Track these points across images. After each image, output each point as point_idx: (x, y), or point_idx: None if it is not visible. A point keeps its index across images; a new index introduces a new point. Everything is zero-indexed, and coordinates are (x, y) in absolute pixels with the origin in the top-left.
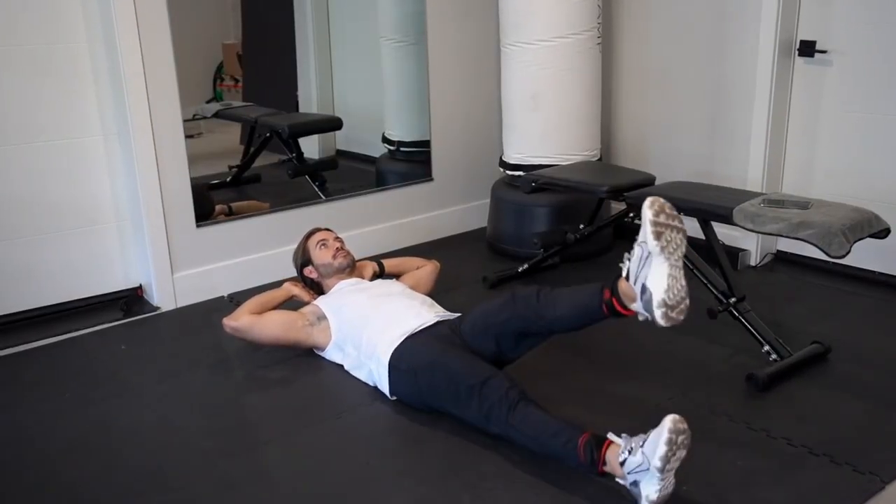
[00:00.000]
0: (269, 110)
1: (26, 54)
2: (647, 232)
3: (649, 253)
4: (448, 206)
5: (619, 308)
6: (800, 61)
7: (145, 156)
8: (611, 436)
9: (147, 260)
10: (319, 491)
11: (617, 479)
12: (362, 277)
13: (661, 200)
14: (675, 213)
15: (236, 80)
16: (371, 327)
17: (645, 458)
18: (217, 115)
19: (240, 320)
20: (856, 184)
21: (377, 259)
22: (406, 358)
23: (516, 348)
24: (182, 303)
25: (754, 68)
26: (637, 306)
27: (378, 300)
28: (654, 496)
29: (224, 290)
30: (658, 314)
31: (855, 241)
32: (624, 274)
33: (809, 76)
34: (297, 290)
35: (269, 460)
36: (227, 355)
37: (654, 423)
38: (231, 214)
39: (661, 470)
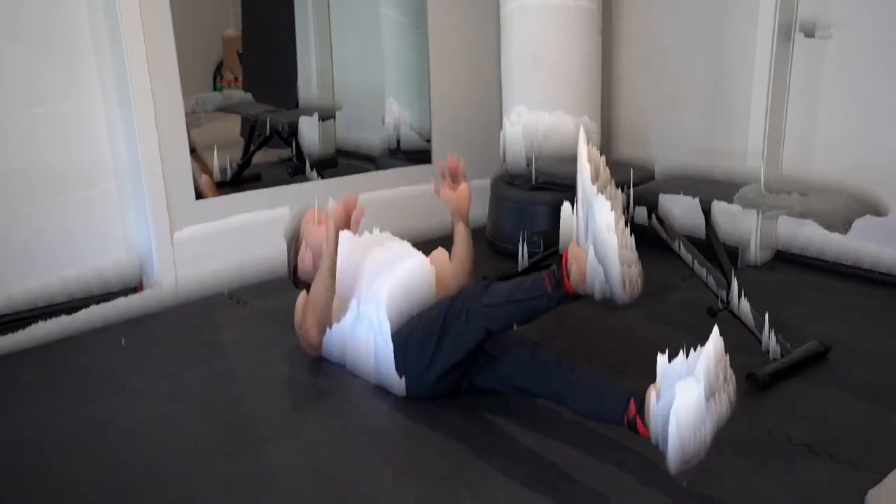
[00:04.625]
0: (270, 107)
1: (24, 19)
2: (700, 386)
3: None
4: None
5: (640, 429)
6: (799, 35)
7: (147, 125)
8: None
9: (147, 225)
10: (320, 490)
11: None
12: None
13: (726, 359)
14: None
15: (236, 77)
16: (365, 273)
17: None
18: (218, 110)
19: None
20: (855, 155)
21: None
22: (404, 325)
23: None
24: (182, 272)
25: (754, 42)
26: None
27: (370, 248)
28: None
29: (224, 259)
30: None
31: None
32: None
33: (809, 49)
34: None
35: (269, 459)
36: (227, 353)
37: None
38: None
39: None
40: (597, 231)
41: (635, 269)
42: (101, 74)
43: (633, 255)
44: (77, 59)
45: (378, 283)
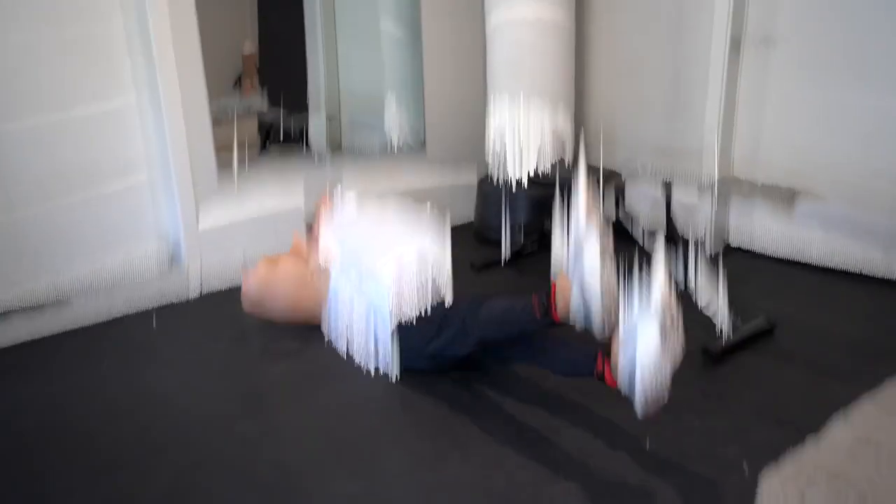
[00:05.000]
0: (283, 111)
1: (69, 34)
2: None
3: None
4: (439, 177)
5: (609, 381)
6: (749, 46)
7: (176, 122)
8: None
9: (176, 210)
10: (326, 447)
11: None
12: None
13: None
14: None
15: (252, 86)
16: (371, 246)
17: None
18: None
19: None
20: (796, 154)
21: None
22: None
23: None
24: (207, 257)
25: (709, 52)
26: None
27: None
28: None
29: (246, 245)
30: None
31: None
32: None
33: (759, 58)
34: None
35: (281, 421)
36: (244, 333)
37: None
38: None
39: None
40: (583, 275)
41: (615, 318)
42: (136, 78)
43: (615, 301)
44: (114, 66)
45: (381, 263)
